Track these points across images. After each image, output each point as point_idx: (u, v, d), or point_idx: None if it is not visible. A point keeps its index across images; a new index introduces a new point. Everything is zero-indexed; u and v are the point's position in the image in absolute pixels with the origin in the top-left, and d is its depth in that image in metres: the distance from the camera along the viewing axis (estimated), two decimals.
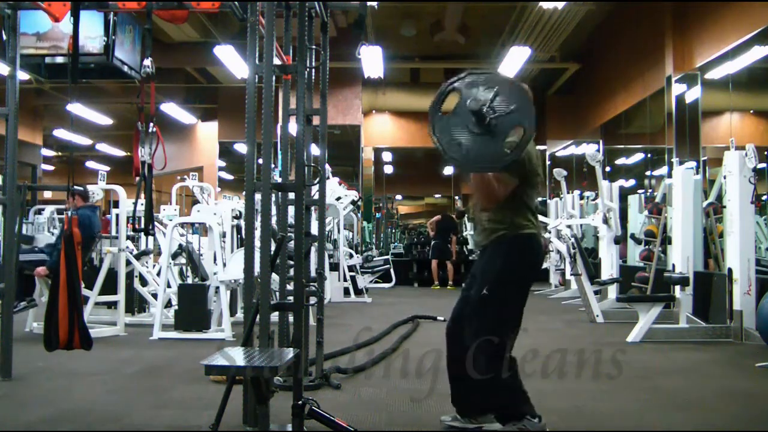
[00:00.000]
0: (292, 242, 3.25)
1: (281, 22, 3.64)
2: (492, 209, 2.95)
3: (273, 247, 3.18)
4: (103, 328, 5.84)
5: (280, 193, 3.78)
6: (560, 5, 9.85)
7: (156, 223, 6.60)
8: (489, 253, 2.98)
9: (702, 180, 7.69)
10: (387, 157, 18.94)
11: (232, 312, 6.33)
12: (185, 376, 4.21)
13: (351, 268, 9.67)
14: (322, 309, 4.11)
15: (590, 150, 8.78)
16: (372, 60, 11.03)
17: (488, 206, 2.95)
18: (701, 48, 8.91)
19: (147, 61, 3.75)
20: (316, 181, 4.05)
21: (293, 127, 3.50)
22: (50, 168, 20.50)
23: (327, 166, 5.14)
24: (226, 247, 6.44)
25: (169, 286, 6.25)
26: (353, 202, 9.78)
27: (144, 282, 6.91)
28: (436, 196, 24.81)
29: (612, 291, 7.81)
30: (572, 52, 13.14)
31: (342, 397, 3.71)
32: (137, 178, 3.83)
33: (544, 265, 11.24)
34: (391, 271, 12.16)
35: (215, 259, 6.05)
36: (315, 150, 4.27)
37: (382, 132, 16.18)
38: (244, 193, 3.06)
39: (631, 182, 12.27)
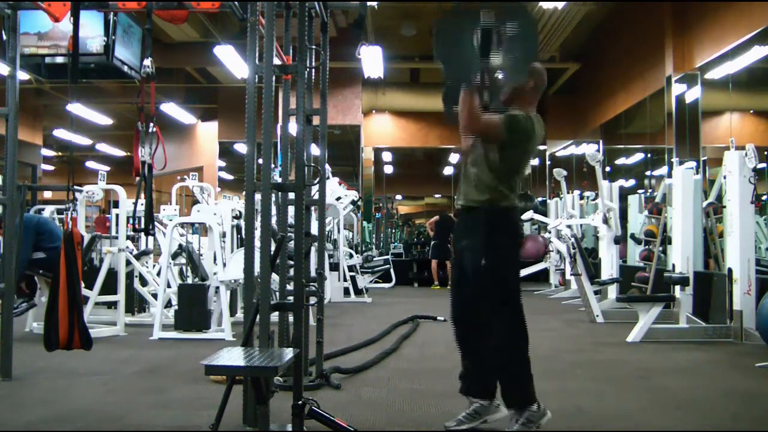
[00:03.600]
0: (292, 242, 3.25)
1: (281, 22, 3.64)
2: (481, 168, 2.98)
3: (273, 247, 3.18)
4: (103, 328, 5.84)
5: (280, 193, 3.78)
6: (560, 5, 9.85)
7: (156, 223, 6.60)
8: (473, 226, 3.00)
9: (702, 180, 7.69)
10: (387, 157, 18.94)
11: (232, 312, 6.33)
12: (185, 376, 4.21)
13: (351, 268, 9.67)
14: (322, 309, 4.11)
15: (590, 150, 8.80)
16: (372, 60, 11.02)
17: (468, 129, 2.92)
18: (701, 48, 8.91)
19: (147, 61, 3.76)
20: (316, 181, 4.05)
21: (293, 127, 3.50)
22: (50, 168, 20.51)
23: (327, 166, 5.14)
24: (226, 247, 6.44)
25: (169, 286, 6.25)
26: (353, 202, 9.78)
27: (144, 282, 6.91)
28: (436, 196, 24.84)
29: (612, 291, 7.81)
30: (572, 52, 13.14)
31: (342, 397, 3.71)
32: (137, 178, 3.84)
33: (544, 265, 11.27)
34: (391, 271, 12.16)
35: (215, 259, 6.05)
36: (315, 150, 4.27)
37: (382, 132, 16.18)
38: (244, 193, 3.06)
39: (631, 182, 12.28)
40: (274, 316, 3.39)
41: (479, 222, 2.98)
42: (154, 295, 6.58)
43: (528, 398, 2.95)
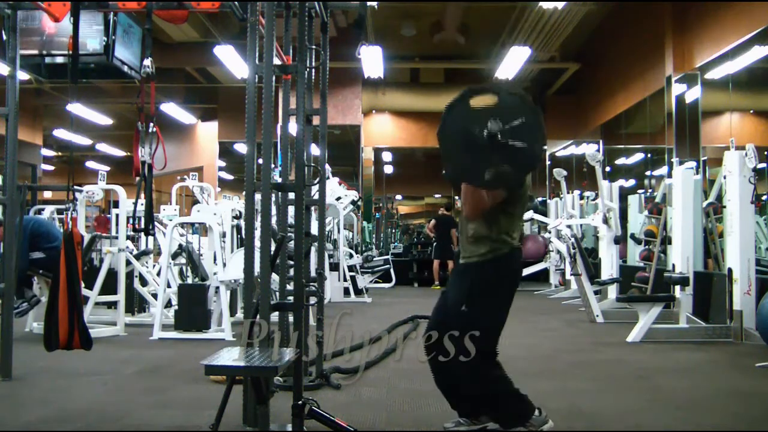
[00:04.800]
0: (292, 242, 3.25)
1: (281, 22, 3.64)
2: (477, 220, 2.89)
3: (273, 247, 3.18)
4: (103, 328, 5.84)
5: (280, 193, 3.78)
6: (560, 5, 9.85)
7: (156, 223, 6.60)
8: (467, 275, 2.92)
9: (702, 180, 7.69)
10: (387, 157, 18.94)
11: (232, 312, 6.33)
12: (185, 376, 4.21)
13: (351, 268, 9.67)
14: (322, 309, 4.11)
15: (590, 150, 8.79)
16: (372, 60, 11.03)
17: (474, 216, 2.87)
18: (701, 48, 8.91)
19: (147, 61, 3.76)
20: (316, 181, 4.05)
21: (293, 127, 3.51)
22: (50, 168, 20.50)
23: (327, 166, 5.14)
24: (226, 247, 6.44)
25: (169, 286, 6.25)
26: (353, 202, 9.78)
27: (144, 282, 6.91)
28: (436, 196, 24.82)
29: (612, 291, 7.81)
30: (572, 52, 13.14)
31: (342, 397, 3.71)
32: (137, 178, 3.83)
33: (545, 265, 11.26)
34: (391, 271, 12.16)
35: (215, 259, 6.05)
36: (315, 150, 4.27)
37: (382, 132, 16.17)
38: (244, 193, 3.06)
39: (631, 182, 12.27)
40: (274, 316, 3.39)
41: (477, 272, 2.89)
42: (154, 295, 6.58)
43: (523, 415, 2.88)
